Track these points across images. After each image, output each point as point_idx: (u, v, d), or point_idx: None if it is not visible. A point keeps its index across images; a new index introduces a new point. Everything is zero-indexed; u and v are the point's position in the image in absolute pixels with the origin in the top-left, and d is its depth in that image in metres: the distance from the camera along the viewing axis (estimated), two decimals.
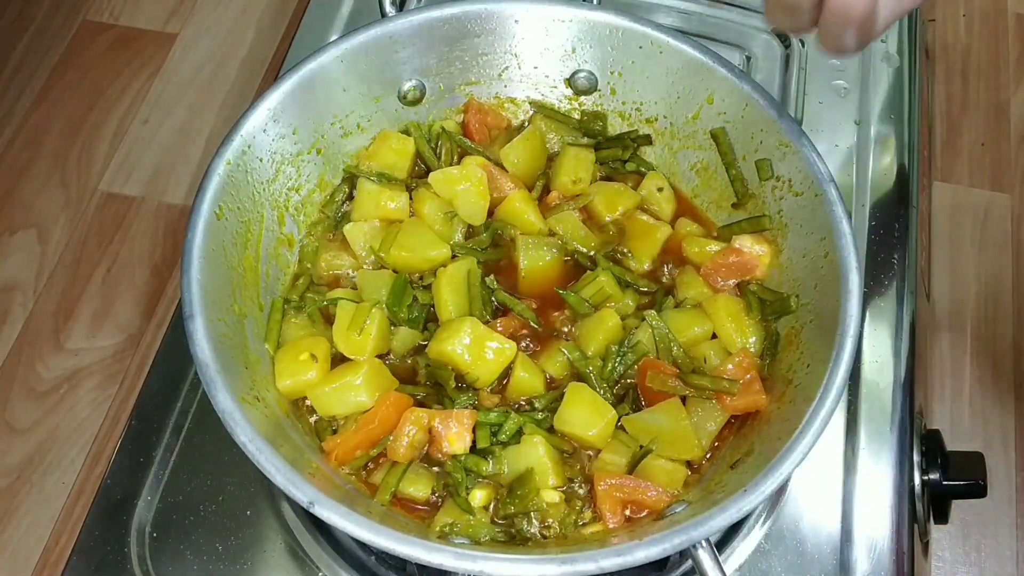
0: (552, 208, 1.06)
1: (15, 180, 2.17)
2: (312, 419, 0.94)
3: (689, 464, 0.91)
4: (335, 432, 0.92)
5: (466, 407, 0.91)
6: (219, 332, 0.85)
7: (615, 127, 1.11)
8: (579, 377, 0.95)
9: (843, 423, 1.06)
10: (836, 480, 1.03)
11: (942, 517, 1.09)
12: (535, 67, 1.10)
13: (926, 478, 1.05)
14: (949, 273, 2.02)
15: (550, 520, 0.88)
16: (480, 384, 0.94)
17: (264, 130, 0.97)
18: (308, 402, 0.94)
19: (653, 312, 0.97)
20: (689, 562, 0.92)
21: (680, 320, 0.97)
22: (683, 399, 0.92)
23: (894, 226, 1.19)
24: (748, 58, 1.33)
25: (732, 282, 1.01)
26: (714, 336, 0.97)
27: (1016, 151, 2.19)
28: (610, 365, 0.94)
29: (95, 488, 1.19)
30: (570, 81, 1.10)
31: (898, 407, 1.07)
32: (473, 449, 0.90)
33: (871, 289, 1.14)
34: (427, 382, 0.95)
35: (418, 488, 0.89)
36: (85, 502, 1.78)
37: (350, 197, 1.05)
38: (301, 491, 0.76)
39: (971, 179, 2.15)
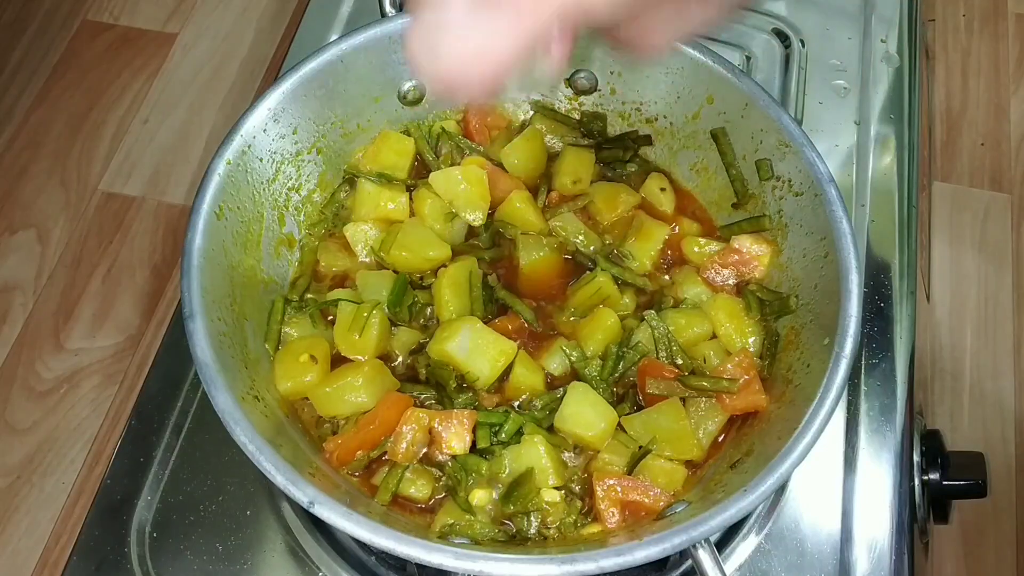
0: (552, 208, 1.06)
1: (15, 180, 2.17)
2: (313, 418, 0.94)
3: (689, 464, 0.91)
4: (335, 432, 0.92)
5: (466, 407, 0.91)
6: (219, 332, 0.85)
7: (615, 127, 1.11)
8: (579, 377, 0.95)
9: (843, 423, 1.06)
10: (836, 480, 1.03)
11: (942, 517, 1.09)
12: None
13: (926, 478, 1.05)
14: (949, 273, 2.02)
15: (550, 520, 0.88)
16: (480, 384, 0.94)
17: (264, 130, 0.97)
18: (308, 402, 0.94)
19: (653, 312, 0.97)
20: (689, 562, 0.92)
21: (680, 320, 0.97)
22: (683, 399, 0.92)
23: (894, 226, 1.19)
24: (748, 58, 1.33)
25: (732, 282, 1.01)
26: (714, 336, 0.97)
27: (1016, 151, 2.19)
28: (610, 365, 0.95)
29: (95, 488, 1.19)
30: (570, 81, 1.10)
31: (898, 407, 1.07)
32: (473, 449, 0.90)
33: (871, 289, 1.14)
34: (427, 382, 0.95)
35: (418, 488, 0.89)
36: (85, 502, 1.78)
37: (350, 197, 1.05)
38: (301, 491, 0.76)
39: (971, 179, 2.15)
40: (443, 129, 1.10)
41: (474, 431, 0.90)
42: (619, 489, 0.87)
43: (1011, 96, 2.26)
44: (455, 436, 0.89)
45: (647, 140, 1.10)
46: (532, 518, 0.87)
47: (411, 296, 0.98)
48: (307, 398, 0.93)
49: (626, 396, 0.95)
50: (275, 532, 0.99)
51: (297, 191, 1.02)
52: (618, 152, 1.08)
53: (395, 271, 1.00)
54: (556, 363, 0.96)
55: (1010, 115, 2.24)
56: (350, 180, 1.06)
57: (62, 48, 2.37)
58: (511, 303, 0.99)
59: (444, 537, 0.85)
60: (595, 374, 0.94)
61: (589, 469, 0.91)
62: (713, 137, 1.04)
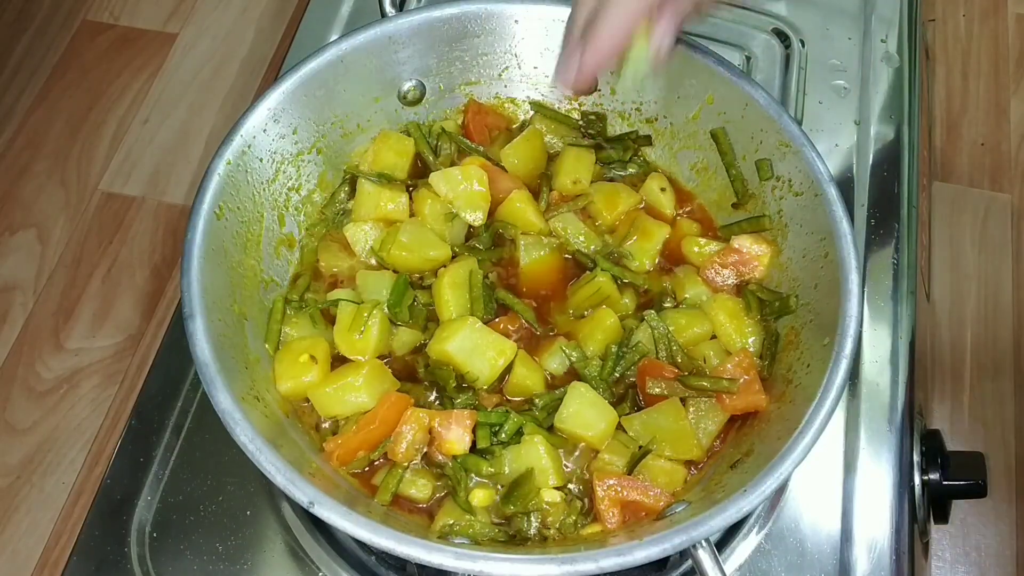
0: (552, 208, 1.06)
1: (15, 180, 2.17)
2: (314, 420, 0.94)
3: (689, 464, 0.91)
4: (335, 432, 0.92)
5: (466, 407, 0.91)
6: (219, 332, 0.85)
7: (615, 127, 1.11)
8: (579, 377, 0.95)
9: (843, 423, 1.06)
10: (836, 480, 1.03)
11: (942, 517, 1.09)
12: (535, 67, 1.10)
13: (926, 478, 1.05)
14: (949, 273, 2.02)
15: (550, 520, 0.88)
16: (480, 384, 0.94)
17: (264, 130, 0.97)
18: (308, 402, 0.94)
19: (653, 312, 0.97)
20: (689, 562, 0.92)
21: (680, 320, 0.97)
22: (683, 399, 0.92)
23: (894, 226, 1.19)
24: (748, 58, 1.33)
25: (732, 282, 1.01)
26: (714, 336, 0.97)
27: (1016, 151, 2.19)
28: (610, 365, 0.94)
29: (95, 488, 1.19)
30: None
31: (898, 407, 1.07)
32: (473, 449, 0.90)
33: (871, 289, 1.14)
34: (427, 382, 0.95)
35: (418, 488, 0.89)
36: (85, 502, 1.78)
37: (350, 197, 1.05)
38: (301, 491, 0.76)
39: (971, 179, 2.15)
40: (443, 129, 1.10)
41: (474, 431, 0.90)
42: (619, 489, 0.87)
43: (1011, 96, 2.26)
44: (455, 436, 0.89)
45: (647, 140, 1.10)
46: (532, 518, 0.87)
47: (411, 296, 0.98)
48: (307, 398, 0.93)
49: (626, 396, 0.95)
50: (275, 532, 0.99)
51: (297, 191, 1.02)
52: (618, 152, 1.08)
53: (395, 271, 1.00)
54: (556, 363, 0.96)
55: (1010, 115, 2.23)
56: (350, 180, 1.06)
57: (62, 48, 2.37)
58: (511, 303, 0.99)
59: (444, 537, 0.85)
60: (595, 374, 0.94)
61: (589, 469, 0.91)
62: (713, 137, 1.04)
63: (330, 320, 0.97)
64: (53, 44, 2.37)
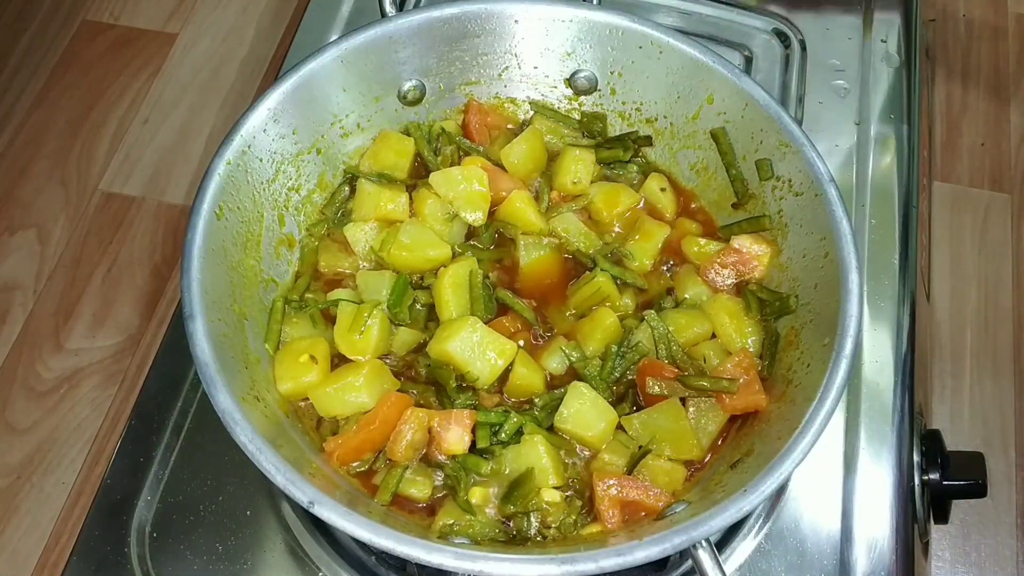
0: (552, 208, 1.06)
1: (15, 180, 2.17)
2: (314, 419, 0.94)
3: (689, 464, 0.91)
4: (335, 432, 0.92)
5: (466, 407, 0.91)
6: (219, 332, 0.85)
7: (615, 127, 1.11)
8: (579, 376, 0.95)
9: (843, 423, 1.06)
10: (836, 480, 1.03)
11: (942, 517, 1.09)
12: (535, 67, 1.10)
13: (926, 478, 1.05)
14: (949, 273, 2.02)
15: (550, 520, 0.88)
16: (480, 384, 0.94)
17: (264, 130, 0.97)
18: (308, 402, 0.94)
19: (653, 312, 0.97)
20: (689, 562, 0.92)
21: (680, 320, 0.97)
22: (683, 399, 0.92)
23: (894, 226, 1.19)
24: (748, 58, 1.33)
25: (732, 282, 1.01)
26: (714, 336, 0.97)
27: (1016, 151, 2.19)
28: (610, 365, 0.95)
29: (95, 488, 1.20)
30: (570, 81, 1.10)
31: (898, 407, 1.07)
32: (473, 449, 0.90)
33: (871, 289, 1.14)
34: (427, 382, 0.95)
35: (418, 488, 0.89)
36: (85, 502, 1.78)
37: (351, 197, 1.05)
38: (301, 491, 0.76)
39: (971, 179, 2.15)
40: (443, 129, 1.10)
41: (474, 431, 0.90)
42: (619, 489, 0.87)
43: (1011, 96, 2.26)
44: (455, 436, 0.89)
45: (647, 140, 1.10)
46: (532, 518, 0.87)
47: (411, 296, 0.98)
48: (307, 398, 0.93)
49: (626, 396, 0.95)
50: (275, 532, 0.99)
51: (297, 191, 1.02)
52: (618, 152, 1.08)
53: (395, 271, 1.00)
54: (556, 363, 0.96)
55: (1010, 114, 2.24)
56: (350, 180, 1.06)
57: (62, 48, 2.37)
58: (511, 303, 0.99)
59: (444, 537, 0.85)
60: (595, 374, 0.94)
61: (589, 469, 0.91)
62: (713, 137, 1.04)
63: (330, 320, 0.97)
64: (53, 44, 2.38)
